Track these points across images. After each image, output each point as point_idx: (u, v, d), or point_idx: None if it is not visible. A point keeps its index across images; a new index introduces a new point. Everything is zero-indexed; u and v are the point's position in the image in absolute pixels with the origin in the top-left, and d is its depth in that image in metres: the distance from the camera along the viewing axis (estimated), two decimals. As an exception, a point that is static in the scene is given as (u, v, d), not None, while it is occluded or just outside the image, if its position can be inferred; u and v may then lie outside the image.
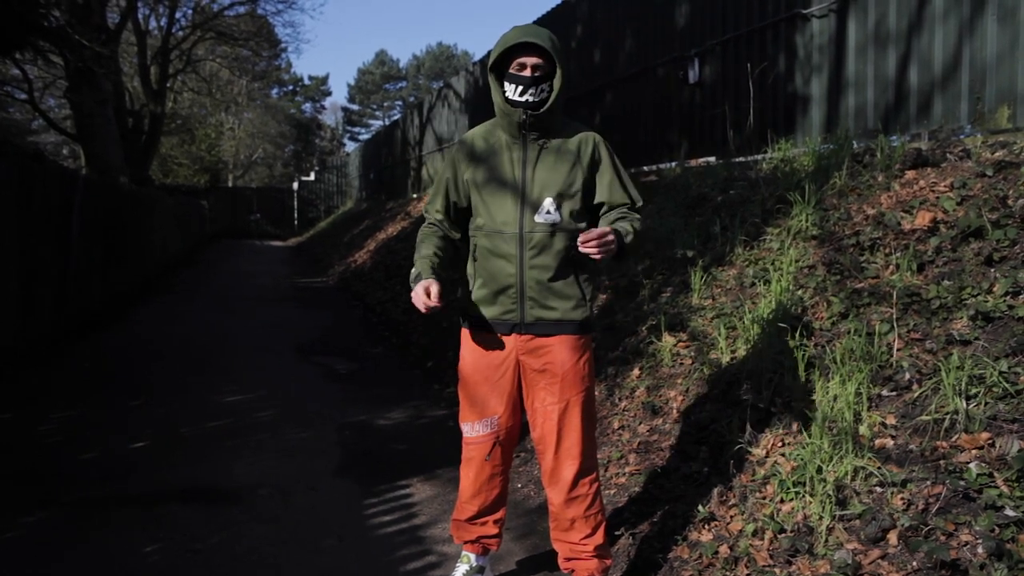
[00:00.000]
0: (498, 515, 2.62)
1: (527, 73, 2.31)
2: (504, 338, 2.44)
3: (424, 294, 2.26)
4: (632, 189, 2.47)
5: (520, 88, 2.32)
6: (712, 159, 6.75)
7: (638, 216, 2.45)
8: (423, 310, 2.27)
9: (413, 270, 2.40)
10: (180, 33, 21.90)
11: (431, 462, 4.00)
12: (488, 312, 2.43)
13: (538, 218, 2.36)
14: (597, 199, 2.45)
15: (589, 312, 2.45)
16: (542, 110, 2.33)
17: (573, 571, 2.56)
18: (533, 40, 2.28)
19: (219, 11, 21.94)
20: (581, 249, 2.20)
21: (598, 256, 2.20)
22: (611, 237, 2.22)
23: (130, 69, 22.36)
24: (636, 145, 8.24)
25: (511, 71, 2.33)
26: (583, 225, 2.41)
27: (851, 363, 2.98)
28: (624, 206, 2.45)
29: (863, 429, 2.70)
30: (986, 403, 2.50)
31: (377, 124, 56.69)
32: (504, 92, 2.36)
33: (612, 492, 3.30)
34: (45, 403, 5.13)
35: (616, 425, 3.81)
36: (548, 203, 2.36)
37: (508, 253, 2.37)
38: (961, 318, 2.90)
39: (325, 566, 2.89)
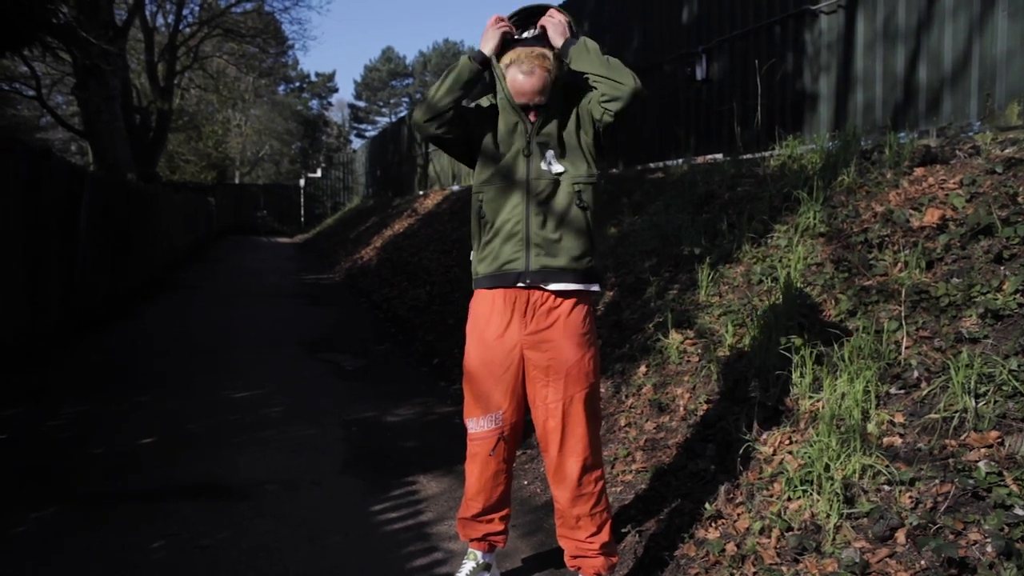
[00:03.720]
0: (504, 512, 2.62)
1: None
2: (509, 327, 2.43)
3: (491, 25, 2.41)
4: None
5: None
6: (719, 156, 6.73)
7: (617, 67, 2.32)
8: (503, 27, 2.40)
9: (452, 71, 2.44)
10: (187, 30, 22.00)
11: (438, 459, 4.00)
12: (493, 265, 2.44)
13: (543, 166, 2.40)
14: (594, 111, 2.39)
15: (595, 263, 2.47)
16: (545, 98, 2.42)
17: (579, 569, 2.56)
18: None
19: (226, 8, 22.04)
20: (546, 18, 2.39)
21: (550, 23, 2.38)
22: (564, 23, 2.38)
23: (137, 66, 22.46)
24: (642, 142, 8.22)
25: None
26: (585, 172, 2.42)
27: (859, 361, 2.97)
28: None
29: (871, 427, 2.68)
30: (995, 401, 2.49)
31: (384, 121, 56.74)
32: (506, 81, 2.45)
33: (619, 490, 3.29)
34: (52, 398, 5.15)
35: (623, 422, 3.80)
36: (550, 155, 2.41)
37: (515, 202, 2.41)
38: (970, 316, 2.89)
39: (331, 562, 2.89)
